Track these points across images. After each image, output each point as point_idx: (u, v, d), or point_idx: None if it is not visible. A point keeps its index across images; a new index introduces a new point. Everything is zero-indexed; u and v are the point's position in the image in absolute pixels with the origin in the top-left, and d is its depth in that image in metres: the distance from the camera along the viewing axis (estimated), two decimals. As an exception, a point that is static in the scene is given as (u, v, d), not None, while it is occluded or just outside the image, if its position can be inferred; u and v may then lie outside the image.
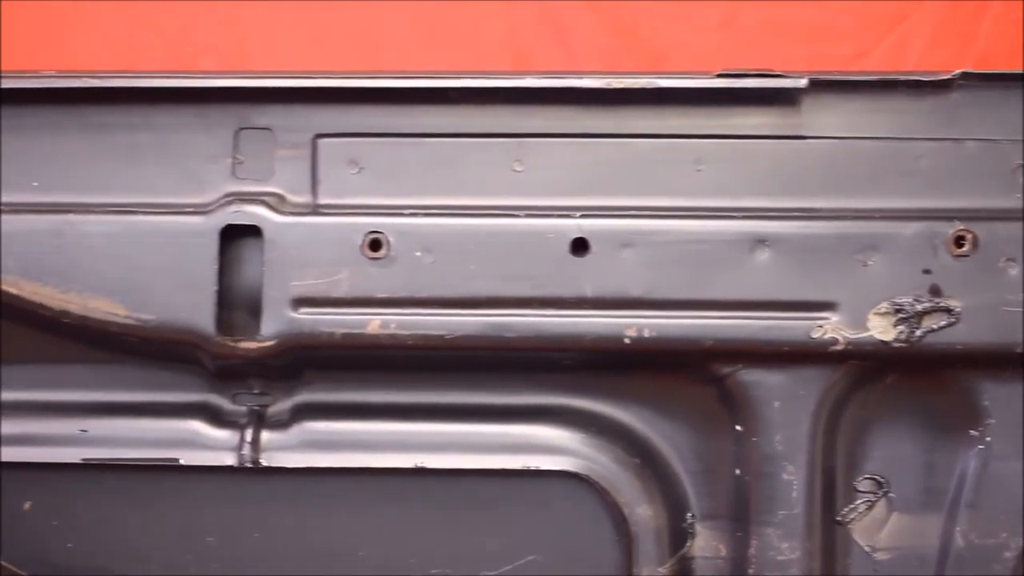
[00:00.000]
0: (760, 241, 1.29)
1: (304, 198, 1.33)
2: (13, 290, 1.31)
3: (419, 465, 1.36)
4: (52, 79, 1.33)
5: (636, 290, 1.30)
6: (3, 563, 1.37)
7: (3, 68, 1.35)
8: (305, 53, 1.83)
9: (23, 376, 1.38)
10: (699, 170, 1.32)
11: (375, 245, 1.30)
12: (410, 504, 1.39)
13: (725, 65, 1.33)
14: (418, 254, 1.30)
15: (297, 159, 1.33)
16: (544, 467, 1.36)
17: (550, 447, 1.37)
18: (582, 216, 1.30)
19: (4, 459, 1.37)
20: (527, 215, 1.31)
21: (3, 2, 1.83)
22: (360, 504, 1.39)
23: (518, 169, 1.33)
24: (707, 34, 1.83)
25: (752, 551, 1.33)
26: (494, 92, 1.33)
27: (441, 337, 1.30)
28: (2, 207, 1.33)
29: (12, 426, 1.38)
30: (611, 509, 1.37)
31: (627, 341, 1.30)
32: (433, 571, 1.39)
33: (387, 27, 1.84)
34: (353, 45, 1.84)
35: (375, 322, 1.30)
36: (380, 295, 1.30)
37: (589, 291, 1.30)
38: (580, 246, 1.30)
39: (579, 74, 1.33)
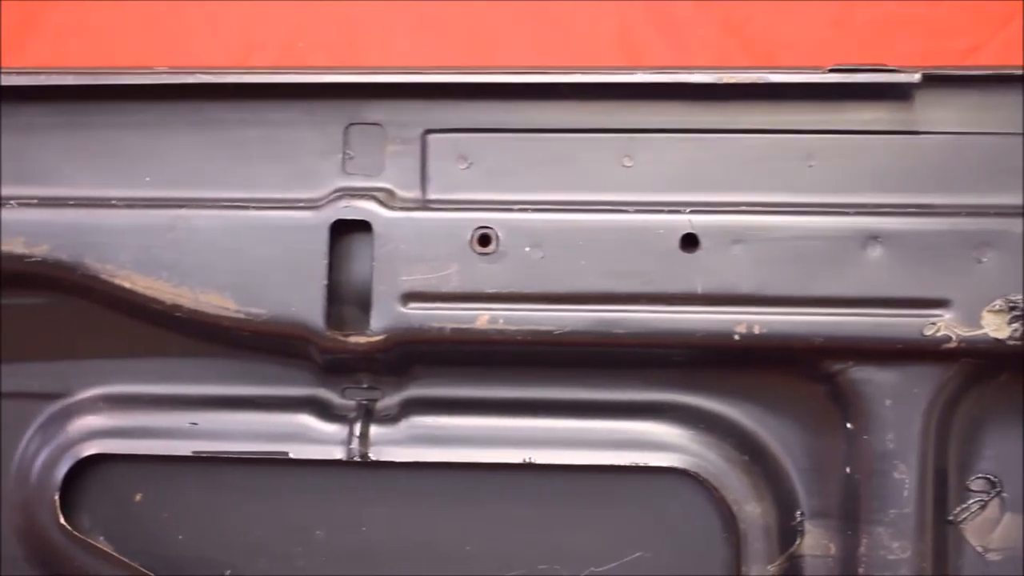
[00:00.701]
0: (872, 237, 1.32)
1: (414, 193, 1.37)
2: (127, 284, 1.36)
3: (528, 460, 1.39)
4: (165, 75, 1.38)
5: (746, 286, 1.33)
6: (114, 554, 1.42)
7: (118, 65, 1.40)
8: (416, 50, 1.88)
9: (135, 369, 1.44)
10: (811, 166, 1.35)
11: (484, 240, 1.34)
12: (518, 499, 1.42)
13: (837, 61, 1.35)
14: (527, 249, 1.34)
15: (407, 154, 1.38)
16: (652, 463, 1.39)
17: (659, 443, 1.40)
18: (692, 212, 1.34)
19: (116, 451, 1.42)
20: (637, 211, 1.35)
21: (121, 1, 1.89)
22: (468, 499, 1.42)
23: (628, 164, 1.36)
24: (819, 30, 1.85)
25: (862, 550, 1.35)
26: (604, 88, 1.36)
27: (550, 333, 1.34)
28: (114, 203, 1.37)
29: (124, 419, 1.43)
30: (719, 506, 1.39)
31: (737, 338, 1.33)
32: (540, 567, 1.42)
33: (498, 24, 1.88)
34: (464, 42, 1.88)
35: (484, 317, 1.34)
36: (489, 290, 1.34)
37: (699, 287, 1.33)
38: (690, 242, 1.33)
39: (690, 69, 1.36)
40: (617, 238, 1.33)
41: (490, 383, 1.41)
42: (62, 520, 1.41)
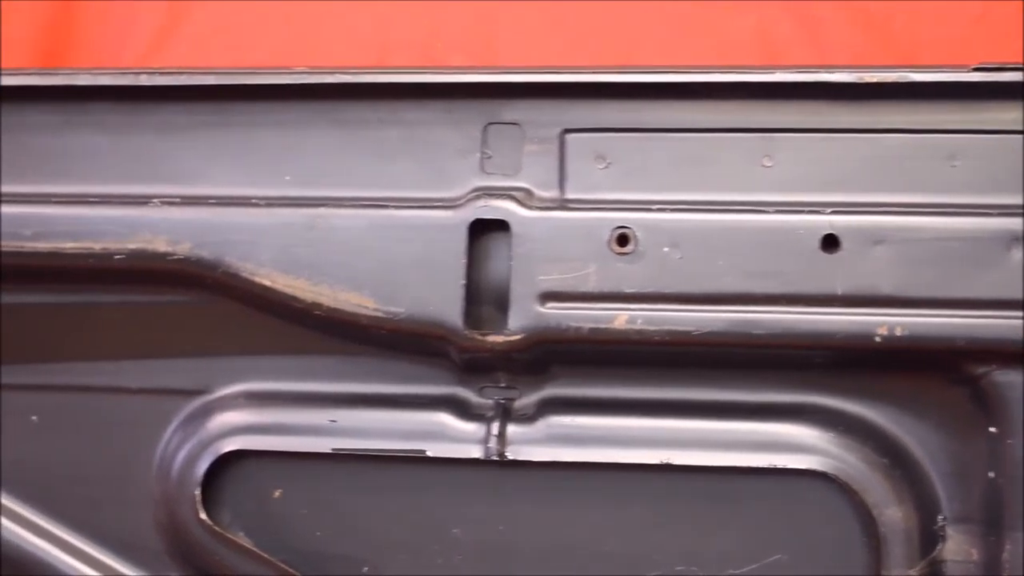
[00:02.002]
0: (1016, 239, 1.37)
1: (551, 193, 1.45)
2: (267, 282, 1.45)
3: (665, 462, 1.46)
4: (304, 75, 1.48)
5: (888, 288, 1.39)
6: (254, 549, 1.52)
7: (258, 65, 1.50)
8: (553, 50, 1.96)
9: (275, 366, 1.53)
10: (954, 166, 1.41)
11: (623, 240, 1.42)
12: (655, 500, 1.49)
13: (979, 58, 1.41)
14: (666, 250, 1.41)
15: (545, 154, 1.45)
16: (791, 466, 1.45)
17: (797, 445, 1.46)
18: (833, 212, 1.40)
19: (257, 448, 1.52)
20: (776, 211, 1.41)
21: (260, 1, 2.00)
22: (605, 499, 1.50)
23: (767, 164, 1.43)
24: (962, 28, 1.90)
25: (1006, 556, 1.40)
26: (743, 87, 1.43)
27: (688, 333, 1.41)
28: (254, 202, 1.47)
29: (264, 416, 1.52)
30: (859, 510, 1.45)
31: (878, 340, 1.39)
32: (678, 568, 1.49)
33: (636, 23, 1.95)
34: (602, 41, 1.96)
35: (622, 317, 1.41)
36: (627, 290, 1.41)
37: (839, 288, 1.39)
38: (831, 243, 1.39)
39: (830, 68, 1.42)
40: (756, 239, 1.40)
41: (628, 383, 1.48)
42: (203, 515, 1.51)
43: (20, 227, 1.49)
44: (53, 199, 1.50)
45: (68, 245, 1.48)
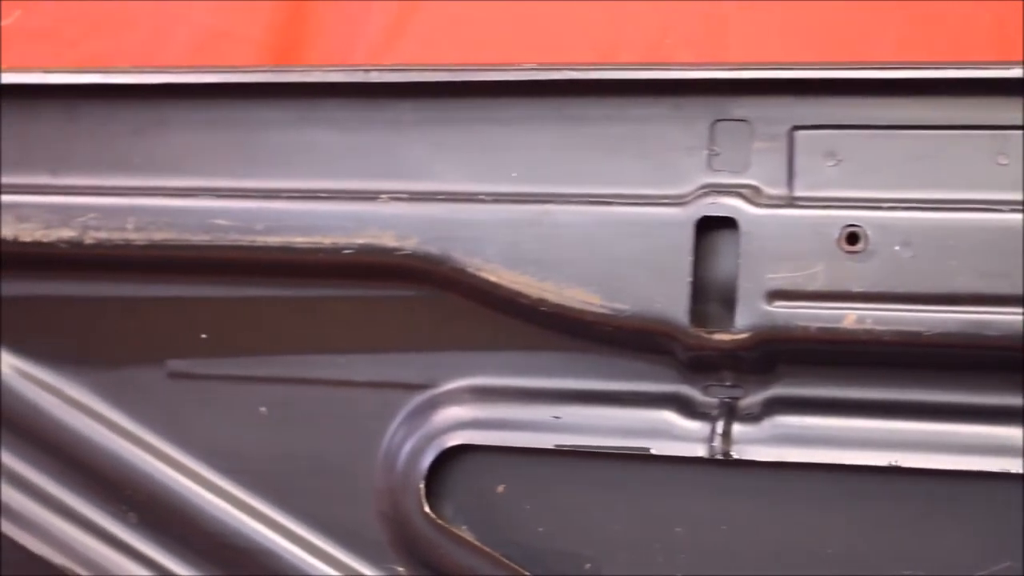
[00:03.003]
0: None
1: (780, 190, 1.48)
2: (493, 278, 1.51)
3: (893, 464, 1.48)
4: (531, 72, 1.53)
5: None
6: (476, 543, 1.58)
7: (484, 62, 1.56)
8: (784, 46, 2.00)
9: (499, 362, 1.59)
10: None
11: (852, 239, 1.44)
12: (881, 503, 1.51)
13: None
14: (897, 248, 1.43)
15: (773, 151, 1.49)
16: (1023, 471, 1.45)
17: None
18: None
19: (480, 443, 1.58)
20: (1011, 210, 1.42)
21: (488, 1, 2.08)
22: (830, 501, 1.52)
23: (1002, 162, 1.45)
24: None
25: None
26: (978, 83, 1.44)
27: (919, 334, 1.43)
28: (481, 197, 1.54)
29: (488, 411, 1.58)
30: (1094, 516, 1.45)
31: None
32: (905, 572, 1.51)
33: (868, 19, 1.98)
34: (833, 37, 2.00)
35: (851, 317, 1.44)
36: (856, 289, 1.43)
37: None
38: None
39: (1070, 65, 1.43)
40: (990, 238, 1.41)
41: (856, 383, 1.50)
42: (427, 508, 1.58)
43: (253, 221, 1.57)
44: (285, 194, 1.58)
45: (299, 239, 1.56)
